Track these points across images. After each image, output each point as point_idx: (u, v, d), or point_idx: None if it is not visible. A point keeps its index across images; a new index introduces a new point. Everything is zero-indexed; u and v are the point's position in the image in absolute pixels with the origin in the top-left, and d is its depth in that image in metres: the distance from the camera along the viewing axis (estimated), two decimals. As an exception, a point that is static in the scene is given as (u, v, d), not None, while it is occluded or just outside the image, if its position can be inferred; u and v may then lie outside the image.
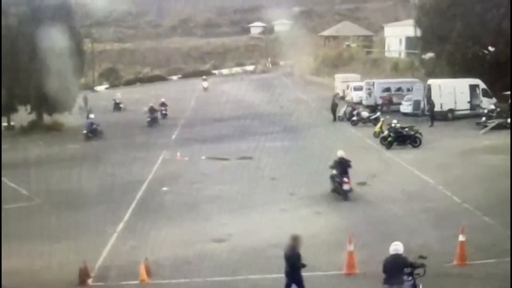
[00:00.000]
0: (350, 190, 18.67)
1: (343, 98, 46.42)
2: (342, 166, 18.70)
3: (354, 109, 36.57)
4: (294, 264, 11.05)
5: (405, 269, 10.42)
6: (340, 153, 19.00)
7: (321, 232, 15.62)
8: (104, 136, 33.47)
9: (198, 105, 48.57)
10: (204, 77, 62.01)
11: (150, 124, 37.40)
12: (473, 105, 35.05)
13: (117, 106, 46.77)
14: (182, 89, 54.51)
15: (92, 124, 33.79)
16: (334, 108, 37.16)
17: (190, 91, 56.82)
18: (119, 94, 50.85)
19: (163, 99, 42.58)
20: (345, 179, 18.46)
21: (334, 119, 36.75)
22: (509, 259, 12.59)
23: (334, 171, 19.04)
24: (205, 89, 58.25)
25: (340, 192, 18.79)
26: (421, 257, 10.61)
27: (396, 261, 10.37)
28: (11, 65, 34.57)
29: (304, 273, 13.18)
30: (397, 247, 10.48)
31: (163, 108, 41.38)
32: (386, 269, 10.45)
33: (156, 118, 38.25)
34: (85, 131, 33.25)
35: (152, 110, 38.40)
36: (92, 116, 35.47)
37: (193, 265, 13.89)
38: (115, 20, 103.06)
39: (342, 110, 37.19)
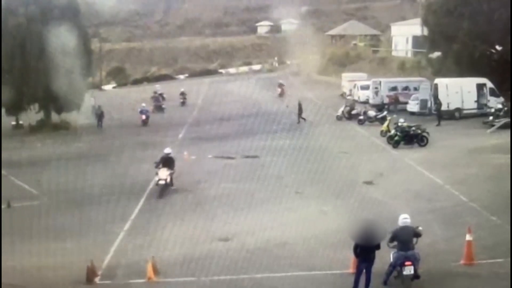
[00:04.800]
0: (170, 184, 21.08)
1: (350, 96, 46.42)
2: (167, 161, 21.31)
3: (352, 108, 36.79)
4: (370, 245, 11.88)
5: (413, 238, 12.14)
6: (167, 150, 21.87)
7: (327, 231, 15.63)
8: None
9: (205, 104, 48.69)
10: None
11: (182, 105, 48.39)
12: (480, 104, 34.95)
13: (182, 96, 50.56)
14: (189, 89, 54.44)
15: (147, 111, 39.62)
16: (300, 110, 36.46)
17: (196, 92, 56.82)
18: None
19: (182, 89, 50.76)
20: (163, 172, 20.83)
21: (298, 121, 36.14)
22: (515, 258, 12.59)
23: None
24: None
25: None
26: (417, 227, 12.44)
27: (407, 231, 12.08)
28: (19, 64, 34.75)
29: (311, 272, 13.29)
30: (407, 220, 12.20)
31: (182, 97, 49.56)
32: (398, 238, 12.03)
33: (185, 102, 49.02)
34: (143, 118, 38.61)
35: (183, 94, 49.57)
36: (143, 105, 40.53)
37: (200, 264, 13.91)
38: (123, 19, 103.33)
39: (340, 109, 37.25)
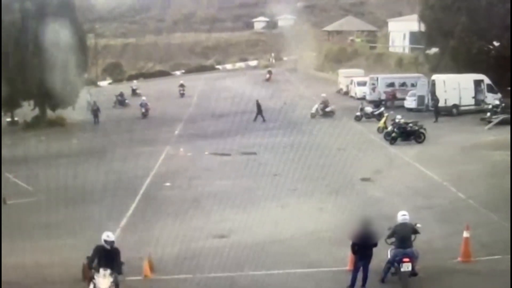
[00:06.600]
0: None
1: (346, 93, 46.33)
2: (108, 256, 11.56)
3: (326, 105, 36.76)
4: (368, 243, 11.92)
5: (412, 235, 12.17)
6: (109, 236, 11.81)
7: (324, 228, 15.57)
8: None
9: (201, 100, 48.57)
10: None
11: (181, 96, 50.58)
12: (478, 100, 34.92)
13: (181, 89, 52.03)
14: (186, 85, 54.30)
15: (146, 104, 40.94)
16: (259, 109, 36.22)
17: (192, 88, 56.72)
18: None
19: (181, 81, 53.03)
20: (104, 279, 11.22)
21: (264, 120, 35.64)
22: (513, 255, 12.54)
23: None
24: None
25: None
26: (416, 224, 12.43)
27: (406, 228, 12.09)
28: (14, 60, 34.56)
29: (308, 269, 13.22)
30: (406, 217, 12.17)
31: (181, 89, 51.27)
32: (397, 235, 12.05)
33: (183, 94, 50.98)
34: (143, 110, 40.17)
35: (182, 86, 51.42)
36: (144, 98, 42.67)
37: (196, 261, 13.85)
38: (118, 15, 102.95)
39: (314, 106, 37.13)
